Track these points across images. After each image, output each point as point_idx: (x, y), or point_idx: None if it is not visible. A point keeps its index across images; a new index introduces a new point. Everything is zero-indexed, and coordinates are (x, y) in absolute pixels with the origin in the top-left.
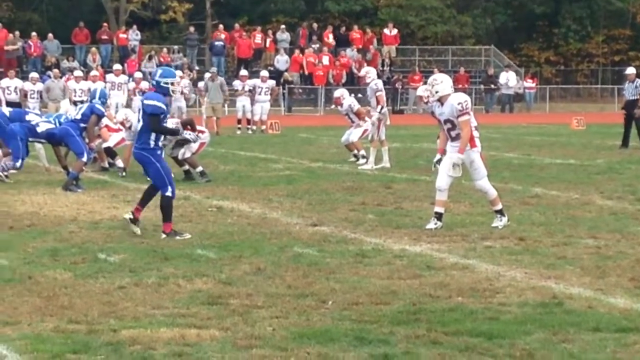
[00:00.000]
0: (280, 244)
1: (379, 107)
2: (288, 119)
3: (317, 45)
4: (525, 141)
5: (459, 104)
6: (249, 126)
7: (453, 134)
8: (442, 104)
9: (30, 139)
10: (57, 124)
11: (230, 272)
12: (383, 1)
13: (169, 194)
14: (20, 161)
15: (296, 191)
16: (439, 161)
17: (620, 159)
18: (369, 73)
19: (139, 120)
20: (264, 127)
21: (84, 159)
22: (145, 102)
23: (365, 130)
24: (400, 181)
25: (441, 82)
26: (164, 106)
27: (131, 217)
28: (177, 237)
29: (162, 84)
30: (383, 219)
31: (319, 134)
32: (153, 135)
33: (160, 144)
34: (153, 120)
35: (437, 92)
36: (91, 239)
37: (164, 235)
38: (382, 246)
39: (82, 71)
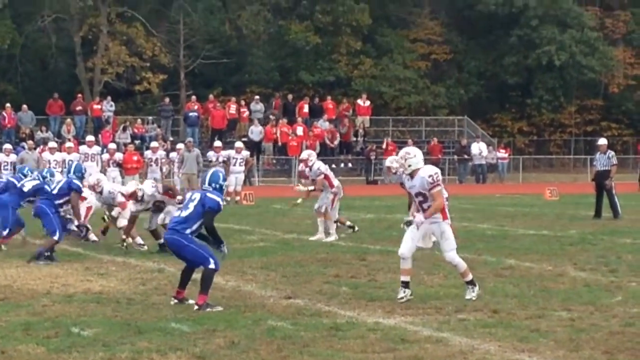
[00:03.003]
0: (254, 317)
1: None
2: (262, 190)
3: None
4: (498, 212)
5: (429, 176)
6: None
7: (425, 206)
8: (412, 177)
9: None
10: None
11: (204, 345)
12: (356, 72)
13: (212, 266)
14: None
15: (270, 263)
16: (409, 222)
17: (593, 230)
18: (311, 156)
19: (179, 205)
20: (238, 198)
21: (56, 237)
22: (210, 195)
23: (335, 195)
24: (374, 253)
25: (414, 156)
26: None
27: (176, 301)
28: (208, 309)
29: (223, 187)
30: (357, 291)
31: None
32: (196, 226)
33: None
34: (210, 214)
35: (409, 165)
36: (64, 312)
37: (196, 307)
38: (356, 319)
39: (57, 142)
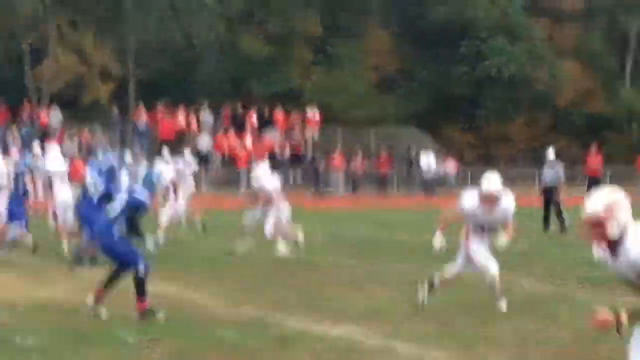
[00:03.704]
0: (202, 327)
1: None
2: (210, 200)
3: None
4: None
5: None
6: None
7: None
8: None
9: None
10: None
11: (149, 355)
12: (308, 83)
13: (142, 268)
14: None
15: (219, 273)
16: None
17: (542, 242)
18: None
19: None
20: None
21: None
22: (134, 195)
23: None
24: (324, 264)
25: None
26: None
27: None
28: (152, 317)
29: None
30: (306, 301)
31: (242, 216)
32: (123, 224)
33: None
34: (135, 211)
35: None
36: (8, 322)
37: (139, 315)
38: (304, 329)
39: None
